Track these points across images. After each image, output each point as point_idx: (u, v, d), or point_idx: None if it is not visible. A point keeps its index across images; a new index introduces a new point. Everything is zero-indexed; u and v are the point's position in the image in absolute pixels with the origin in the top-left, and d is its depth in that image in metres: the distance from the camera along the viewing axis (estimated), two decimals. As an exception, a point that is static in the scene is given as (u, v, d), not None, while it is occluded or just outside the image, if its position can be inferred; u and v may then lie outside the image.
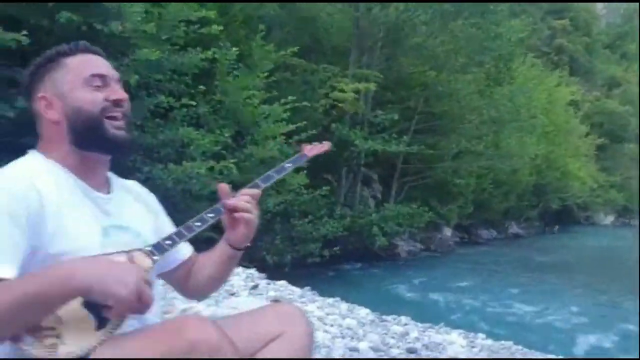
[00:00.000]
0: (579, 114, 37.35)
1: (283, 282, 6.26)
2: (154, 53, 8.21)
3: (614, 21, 67.59)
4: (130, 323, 1.39)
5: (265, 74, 11.32)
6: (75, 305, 1.31)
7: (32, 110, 1.57)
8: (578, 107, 37.99)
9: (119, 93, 1.54)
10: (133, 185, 1.77)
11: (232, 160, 9.61)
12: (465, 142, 18.53)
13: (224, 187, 1.66)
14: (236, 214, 1.64)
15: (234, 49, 10.32)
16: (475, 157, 19.38)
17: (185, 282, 1.79)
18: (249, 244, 1.72)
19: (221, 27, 9.88)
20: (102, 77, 1.53)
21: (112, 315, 1.31)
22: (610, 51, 60.58)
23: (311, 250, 12.63)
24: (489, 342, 4.40)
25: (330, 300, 5.54)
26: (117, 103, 1.53)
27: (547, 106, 27.56)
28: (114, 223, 1.53)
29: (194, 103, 9.44)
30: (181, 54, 9.25)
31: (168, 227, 1.73)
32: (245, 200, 1.64)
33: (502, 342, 4.47)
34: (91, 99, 1.51)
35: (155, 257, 1.47)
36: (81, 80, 1.51)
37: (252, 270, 6.65)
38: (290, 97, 11.22)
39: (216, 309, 4.32)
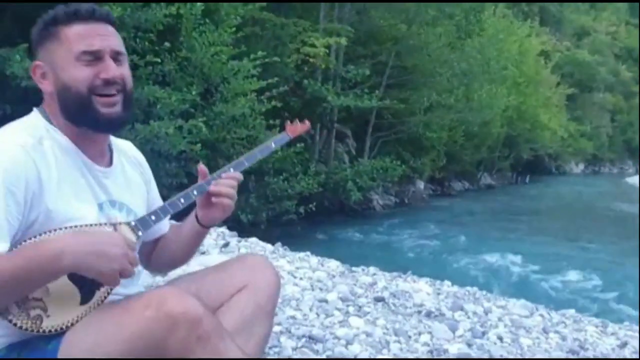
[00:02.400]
0: (550, 65, 37.45)
1: (254, 239, 6.20)
2: (116, 10, 8.00)
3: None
4: (112, 298, 1.41)
5: (233, 29, 10.97)
6: (61, 278, 1.32)
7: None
8: (549, 58, 38.06)
9: (111, 71, 1.46)
10: (129, 149, 1.74)
11: (201, 119, 9.46)
12: (436, 95, 18.56)
13: (203, 169, 1.65)
14: (215, 199, 1.62)
15: (199, 4, 10.02)
16: (446, 110, 19.43)
17: (149, 255, 1.77)
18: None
19: (185, -18, 9.64)
20: (93, 53, 1.45)
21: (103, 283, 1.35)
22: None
23: (287, 207, 12.60)
24: (455, 288, 4.47)
25: (301, 254, 5.53)
26: (107, 82, 1.46)
27: (518, 57, 27.60)
28: (109, 199, 1.53)
29: (159, 60, 9.22)
30: (144, 10, 9.01)
31: (156, 197, 1.75)
32: (229, 185, 1.63)
33: (468, 288, 4.56)
34: (79, 77, 1.44)
35: (139, 233, 1.50)
36: (72, 56, 1.44)
37: (223, 229, 6.61)
38: (260, 53, 10.95)
39: (186, 268, 4.31)
